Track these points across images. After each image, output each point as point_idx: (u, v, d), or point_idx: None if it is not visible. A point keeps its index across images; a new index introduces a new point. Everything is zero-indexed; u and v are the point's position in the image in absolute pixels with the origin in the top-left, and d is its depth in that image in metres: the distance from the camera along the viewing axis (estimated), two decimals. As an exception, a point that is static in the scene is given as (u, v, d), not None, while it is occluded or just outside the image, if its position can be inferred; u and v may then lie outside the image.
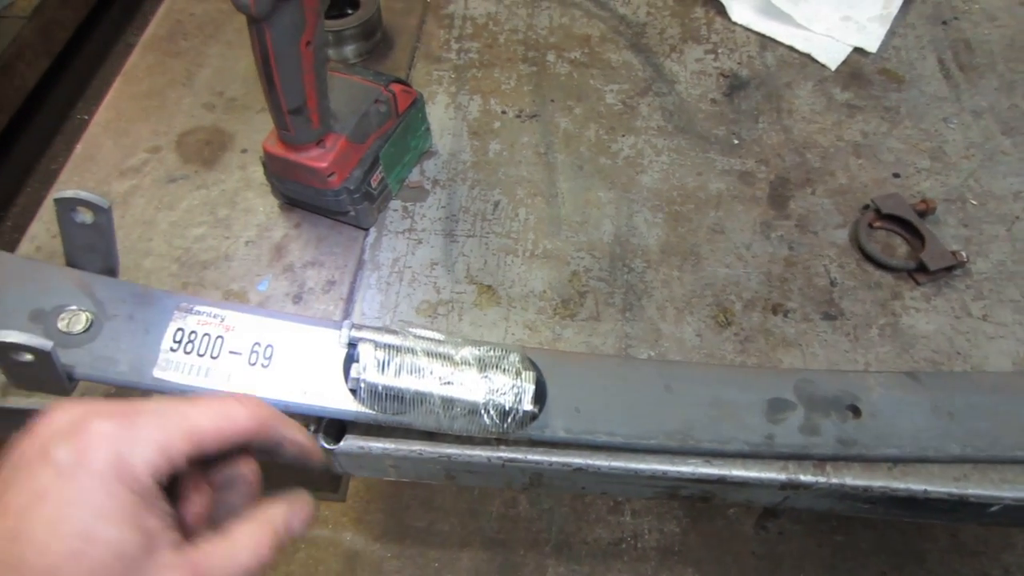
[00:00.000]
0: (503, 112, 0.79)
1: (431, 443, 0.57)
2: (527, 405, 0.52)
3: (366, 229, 0.69)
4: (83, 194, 0.48)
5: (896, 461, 0.57)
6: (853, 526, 1.45)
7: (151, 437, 0.35)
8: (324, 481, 1.51)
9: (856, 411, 0.57)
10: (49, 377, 0.44)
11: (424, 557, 1.42)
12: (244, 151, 0.74)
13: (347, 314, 0.64)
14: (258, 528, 0.39)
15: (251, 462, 0.44)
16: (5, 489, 0.33)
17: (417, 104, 0.70)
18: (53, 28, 1.95)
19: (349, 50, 0.82)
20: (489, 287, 0.66)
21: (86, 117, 2.13)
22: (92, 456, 0.33)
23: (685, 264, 0.68)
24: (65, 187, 0.71)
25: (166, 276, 0.65)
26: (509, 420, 0.52)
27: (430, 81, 0.82)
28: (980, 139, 0.77)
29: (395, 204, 0.71)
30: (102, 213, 0.49)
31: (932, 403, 0.58)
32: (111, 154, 0.74)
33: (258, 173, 0.72)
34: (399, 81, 0.68)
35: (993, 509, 0.57)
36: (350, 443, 0.57)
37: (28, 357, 0.41)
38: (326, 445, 0.57)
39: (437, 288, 0.66)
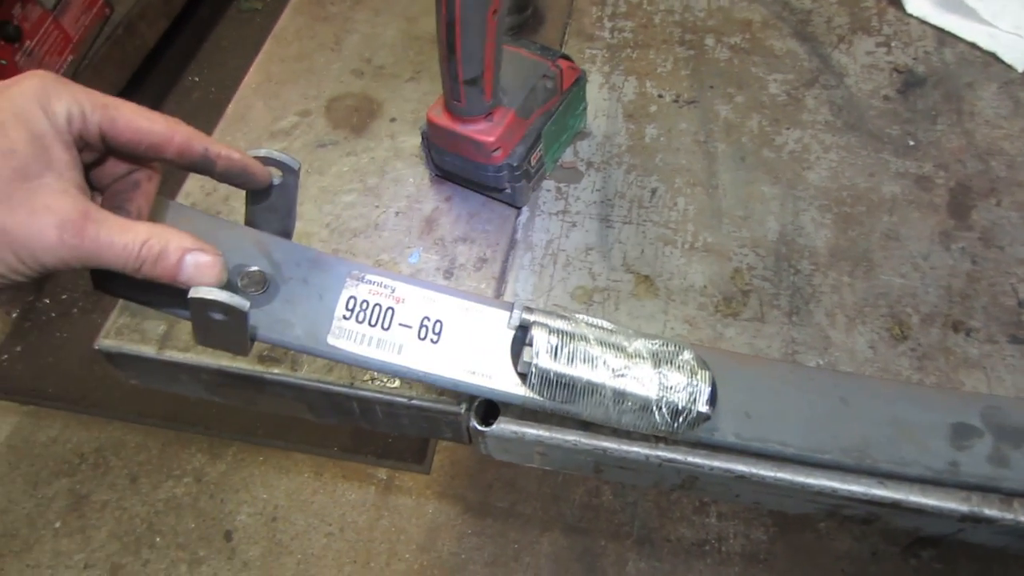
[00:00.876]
0: (659, 96, 0.75)
1: (587, 434, 0.54)
2: (702, 406, 0.49)
3: (519, 208, 0.67)
4: (276, 154, 0.47)
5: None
6: (955, 555, 1.38)
7: (75, 92, 0.40)
8: (411, 452, 1.52)
9: (1054, 445, 0.53)
10: (236, 337, 0.43)
11: (504, 537, 1.41)
12: (393, 120, 0.73)
13: (499, 293, 0.62)
14: (158, 231, 0.40)
15: (154, 174, 0.46)
16: None
17: (580, 82, 0.67)
18: (173, -8, 2.00)
19: (500, 23, 0.79)
20: (647, 277, 0.63)
21: (197, 79, 2.18)
22: (24, 84, 0.39)
23: (856, 270, 0.63)
24: (218, 144, 0.70)
25: (316, 242, 0.64)
26: (681, 420, 0.49)
27: (582, 60, 0.78)
28: None
29: (548, 184, 0.69)
30: (291, 173, 0.47)
31: None
32: (262, 116, 0.74)
33: (407, 143, 0.70)
34: (565, 57, 0.66)
35: None
36: (503, 427, 0.55)
37: (221, 316, 0.40)
38: (477, 426, 0.55)
39: (592, 274, 0.63)
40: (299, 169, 0.48)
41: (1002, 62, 0.78)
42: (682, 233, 0.65)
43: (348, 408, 0.60)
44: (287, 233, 0.50)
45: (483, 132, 0.59)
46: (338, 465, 1.50)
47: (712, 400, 0.50)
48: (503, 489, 1.49)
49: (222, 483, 1.54)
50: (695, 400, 0.49)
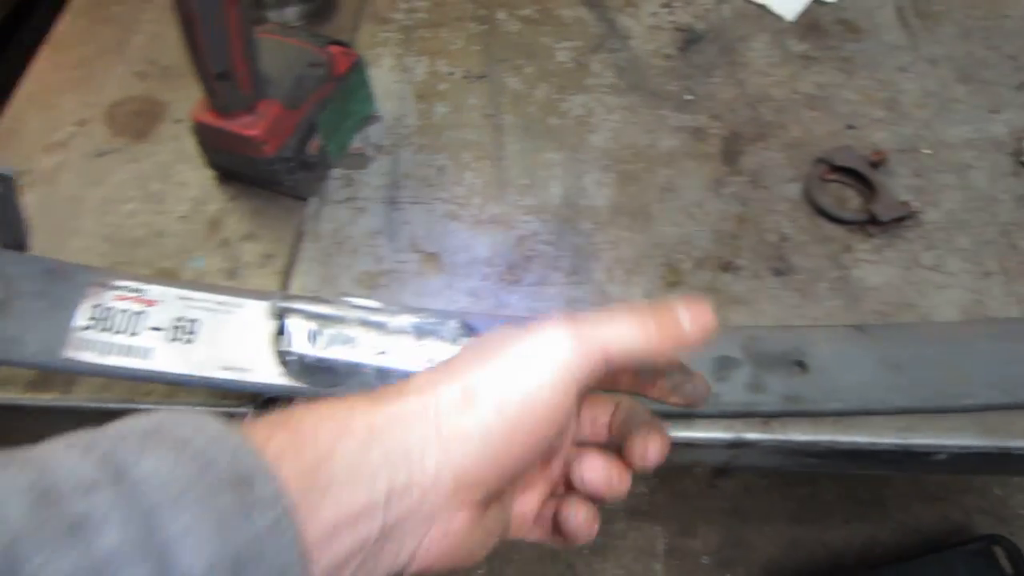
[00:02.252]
0: (450, 73, 0.77)
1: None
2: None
3: (305, 199, 0.67)
4: (-19, 165, 0.46)
5: (841, 415, 0.56)
6: (817, 478, 1.46)
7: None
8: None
9: (803, 366, 0.57)
10: None
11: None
12: (178, 121, 0.72)
13: (285, 288, 0.62)
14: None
15: None
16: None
17: (357, 67, 0.68)
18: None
19: (290, 12, 0.79)
20: (433, 255, 0.64)
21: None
22: (557, 345, 0.33)
23: (635, 224, 0.66)
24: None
25: (95, 256, 0.63)
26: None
27: (375, 43, 0.79)
28: (936, 87, 0.75)
29: (336, 173, 0.69)
30: (3, 182, 0.47)
31: (878, 355, 0.57)
32: (35, 129, 0.71)
33: (192, 145, 0.69)
34: (337, 43, 0.66)
35: (938, 457, 0.57)
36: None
37: None
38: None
39: (378, 258, 0.64)
40: (11, 176, 0.47)
41: (774, 13, 0.82)
42: (468, 207, 0.67)
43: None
44: (20, 246, 0.49)
45: (247, 126, 0.59)
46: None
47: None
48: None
49: None
50: None
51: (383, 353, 0.50)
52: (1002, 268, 0.63)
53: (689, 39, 0.80)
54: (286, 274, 0.63)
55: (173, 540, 0.24)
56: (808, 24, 0.81)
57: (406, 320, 0.52)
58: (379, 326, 0.52)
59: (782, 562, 1.39)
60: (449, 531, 0.32)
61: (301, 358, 0.49)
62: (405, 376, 0.35)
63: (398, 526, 0.30)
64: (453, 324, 0.53)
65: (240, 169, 0.64)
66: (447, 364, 0.34)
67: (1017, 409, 0.56)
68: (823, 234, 0.66)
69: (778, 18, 0.82)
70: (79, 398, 0.56)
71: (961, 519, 1.42)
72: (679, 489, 1.45)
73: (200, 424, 0.27)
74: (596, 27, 0.81)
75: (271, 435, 0.29)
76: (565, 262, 0.64)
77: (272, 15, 0.78)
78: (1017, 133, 0.72)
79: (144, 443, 0.26)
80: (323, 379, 0.50)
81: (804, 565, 1.38)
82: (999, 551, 1.24)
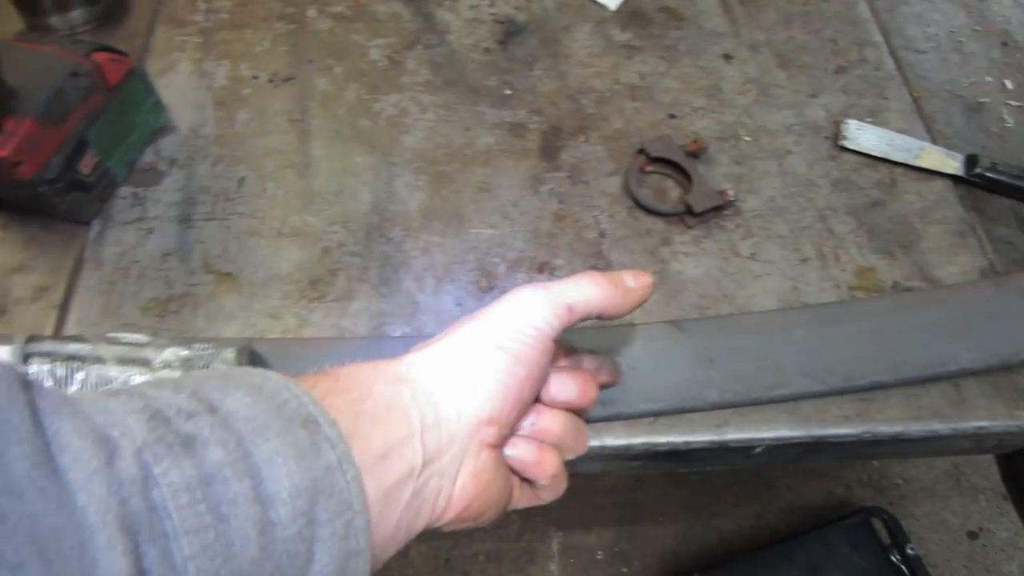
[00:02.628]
0: (254, 77, 0.72)
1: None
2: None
3: (87, 223, 0.61)
4: None
5: (658, 415, 0.54)
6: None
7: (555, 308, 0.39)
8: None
9: (614, 369, 0.55)
10: None
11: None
12: (-57, 143, 0.65)
13: (61, 323, 0.56)
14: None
15: None
16: None
17: (136, 75, 0.62)
18: None
19: (75, 16, 0.72)
20: (229, 275, 0.59)
21: None
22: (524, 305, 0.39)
23: (447, 229, 0.63)
24: None
25: None
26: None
27: (172, 48, 0.73)
28: (756, 74, 0.75)
29: (124, 191, 0.63)
30: None
31: (693, 351, 0.56)
32: None
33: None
34: (108, 49, 0.60)
35: (757, 451, 0.56)
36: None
37: None
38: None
39: (168, 282, 0.59)
40: None
41: (596, 2, 0.80)
42: (270, 221, 0.62)
43: None
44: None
45: (-7, 147, 0.53)
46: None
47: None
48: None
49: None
50: None
51: (141, 391, 0.45)
52: (818, 253, 0.63)
53: (509, 31, 0.77)
54: (63, 308, 0.57)
55: (264, 463, 0.28)
56: (631, 12, 0.80)
57: (173, 353, 0.47)
58: (143, 362, 0.47)
59: (677, 551, 1.40)
60: (477, 470, 0.37)
61: (41, 405, 0.43)
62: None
63: (435, 461, 0.35)
64: (229, 353, 0.48)
65: (5, 194, 0.58)
66: (448, 330, 0.39)
67: (830, 396, 0.56)
68: (642, 228, 0.64)
69: (601, 7, 0.80)
70: None
71: (843, 493, 1.45)
72: (571, 487, 1.44)
73: (265, 374, 0.32)
74: (412, 22, 0.77)
75: (316, 382, 0.33)
76: (373, 273, 0.60)
77: (55, 20, 0.71)
78: (834, 116, 0.72)
79: (225, 385, 0.30)
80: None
81: (698, 553, 1.39)
82: (877, 523, 1.28)
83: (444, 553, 1.38)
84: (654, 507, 1.43)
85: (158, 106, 0.66)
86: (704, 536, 1.41)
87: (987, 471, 1.49)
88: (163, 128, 0.67)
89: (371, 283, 0.60)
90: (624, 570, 1.37)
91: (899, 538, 1.24)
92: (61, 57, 0.57)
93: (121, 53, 0.61)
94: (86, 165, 0.59)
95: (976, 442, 0.57)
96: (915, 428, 0.55)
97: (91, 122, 0.59)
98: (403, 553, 1.37)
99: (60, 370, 0.45)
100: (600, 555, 1.39)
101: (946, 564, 1.39)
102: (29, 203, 0.59)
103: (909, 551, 1.21)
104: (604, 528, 1.41)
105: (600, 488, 1.43)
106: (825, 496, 1.45)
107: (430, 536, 1.36)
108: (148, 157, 0.65)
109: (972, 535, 1.42)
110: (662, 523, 1.42)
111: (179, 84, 0.70)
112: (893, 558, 1.21)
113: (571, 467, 0.56)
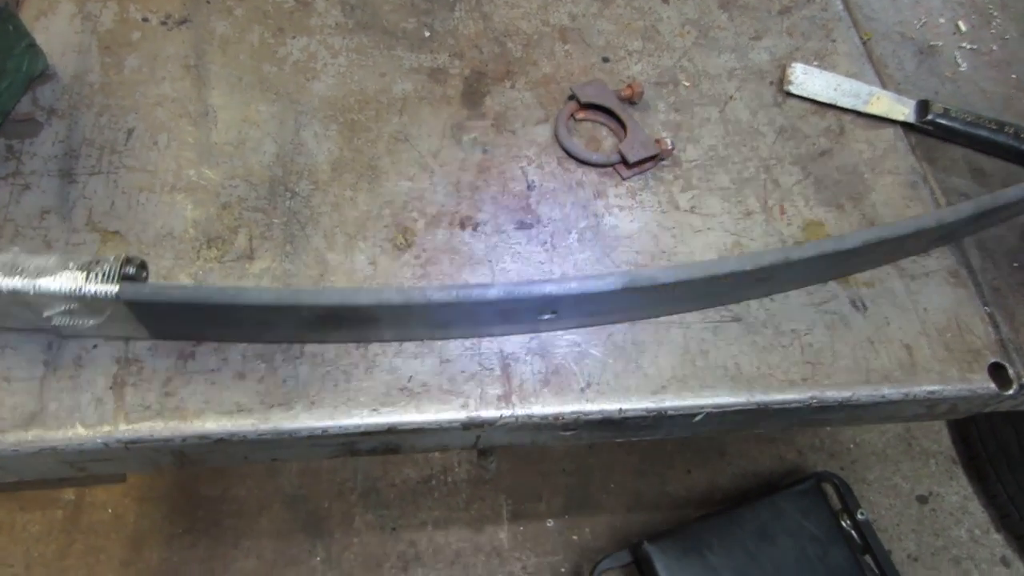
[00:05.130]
0: (144, 20, 0.65)
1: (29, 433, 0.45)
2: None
3: (-54, 178, 0.54)
4: None
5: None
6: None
7: None
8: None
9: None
10: None
11: (218, 527, 1.30)
12: None
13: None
14: None
15: None
16: None
17: (2, 14, 0.55)
18: None
19: (-58, -48, 0.64)
20: (116, 233, 0.53)
21: None
22: None
23: (360, 182, 0.57)
24: None
25: None
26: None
27: (48, -13, 0.66)
28: (696, 14, 0.70)
29: (-6, 143, 0.57)
30: None
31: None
32: None
33: None
34: (-35, -17, 0.53)
35: (698, 418, 0.52)
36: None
37: None
38: None
39: (48, 241, 0.53)
40: None
41: (526, -61, 0.74)
42: (162, 175, 0.56)
43: None
44: None
45: None
46: (13, 497, 1.31)
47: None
48: (212, 477, 1.37)
49: None
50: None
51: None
52: (763, 206, 0.59)
53: (435, -29, 0.71)
54: (-83, 273, 0.50)
55: None
56: (565, -50, 0.74)
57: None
58: None
59: (627, 519, 1.38)
60: None
61: None
62: None
63: None
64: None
65: None
66: None
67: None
68: (573, 179, 0.59)
69: (533, -55, 0.74)
70: None
71: (795, 458, 1.44)
72: (522, 454, 1.41)
73: None
74: (328, -39, 0.71)
75: None
76: (277, 231, 0.54)
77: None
78: (779, 60, 0.68)
79: None
80: None
81: (648, 521, 1.37)
82: (828, 488, 1.26)
83: (391, 523, 1.34)
84: (606, 473, 1.40)
85: (33, 50, 0.58)
86: (655, 502, 1.40)
87: (937, 435, 1.50)
88: (41, 75, 0.60)
89: (275, 241, 0.54)
90: (574, 538, 1.35)
91: (849, 504, 1.23)
92: (-95, -12, 0.50)
93: (-19, -13, 0.54)
94: (-58, 113, 0.52)
95: (929, 408, 0.54)
96: (864, 393, 0.51)
97: (-54, 64, 0.52)
98: (349, 521, 1.33)
99: None
100: (550, 523, 1.36)
101: (895, 528, 1.39)
102: None
103: (860, 516, 1.21)
104: (554, 496, 1.38)
105: (551, 455, 1.40)
106: (777, 461, 1.44)
107: (377, 504, 1.31)
108: (24, 107, 0.58)
109: (922, 499, 1.42)
110: (613, 491, 1.40)
111: (59, 27, 0.63)
112: (844, 523, 1.21)
113: (501, 439, 0.52)
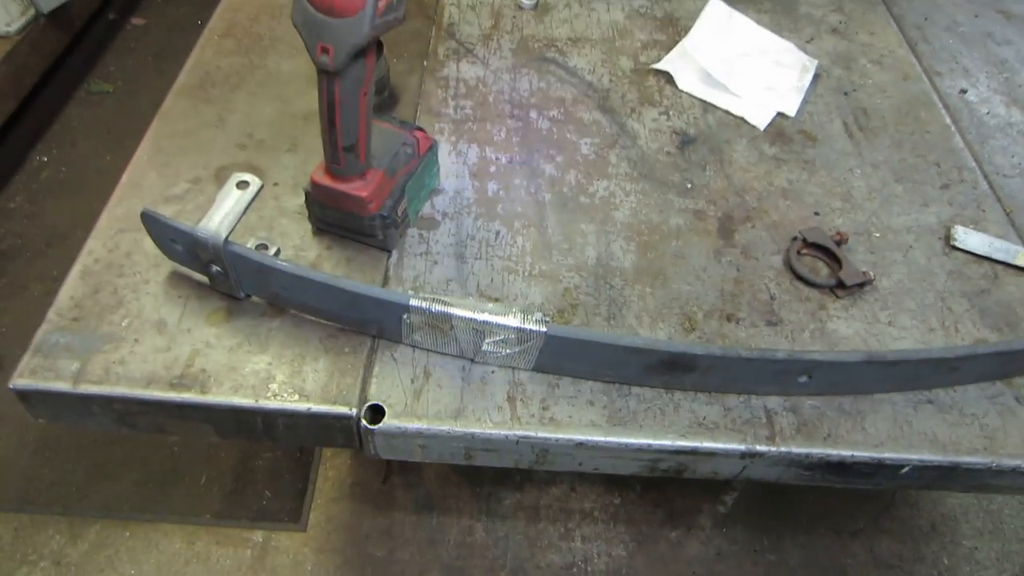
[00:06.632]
0: (497, 159, 0.93)
1: (458, 422, 0.68)
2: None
3: (390, 251, 0.81)
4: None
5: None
6: (784, 545, 1.60)
7: None
8: (286, 511, 1.57)
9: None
10: None
11: (384, 585, 1.48)
12: (276, 184, 0.86)
13: (379, 320, 0.75)
14: None
15: None
16: None
17: (433, 148, 0.83)
18: (22, 73, 2.00)
19: (360, 103, 0.95)
20: (497, 299, 0.79)
21: (45, 159, 2.17)
22: None
23: (655, 283, 0.82)
24: (115, 211, 0.81)
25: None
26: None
27: (433, 132, 0.95)
28: (878, 185, 0.96)
29: (412, 232, 0.84)
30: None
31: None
32: (155, 183, 0.84)
33: (290, 203, 0.83)
34: (420, 129, 0.82)
35: (904, 470, 0.72)
36: (389, 424, 0.68)
37: None
38: (367, 426, 0.68)
39: (453, 300, 0.78)
40: None
41: (748, 123, 1.02)
42: (522, 264, 0.82)
43: (252, 424, 0.70)
44: None
45: (359, 189, 0.74)
46: (211, 532, 1.52)
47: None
48: (380, 538, 1.56)
49: (84, 564, 1.50)
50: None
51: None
52: (942, 325, 0.82)
53: (684, 140, 0.99)
54: (376, 311, 0.76)
55: None
56: (776, 132, 1.02)
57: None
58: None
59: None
60: None
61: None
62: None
63: None
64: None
65: (343, 223, 0.78)
66: None
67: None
68: (802, 295, 0.83)
69: (752, 127, 1.02)
70: (213, 398, 0.67)
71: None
72: (655, 553, 1.56)
73: None
74: (610, 128, 0.99)
75: None
76: (603, 309, 0.79)
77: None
78: (944, 222, 0.92)
79: None
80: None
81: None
82: None
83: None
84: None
85: (437, 173, 0.87)
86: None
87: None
88: (436, 190, 0.88)
89: (603, 316, 0.78)
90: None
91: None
92: (397, 132, 0.79)
93: (426, 133, 0.83)
94: (400, 209, 0.79)
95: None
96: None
97: (407, 178, 0.79)
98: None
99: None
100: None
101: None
102: (357, 231, 0.79)
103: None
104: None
105: (684, 557, 1.55)
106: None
107: None
108: (427, 210, 0.86)
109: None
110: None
111: (443, 159, 0.91)
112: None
113: (759, 471, 0.72)
